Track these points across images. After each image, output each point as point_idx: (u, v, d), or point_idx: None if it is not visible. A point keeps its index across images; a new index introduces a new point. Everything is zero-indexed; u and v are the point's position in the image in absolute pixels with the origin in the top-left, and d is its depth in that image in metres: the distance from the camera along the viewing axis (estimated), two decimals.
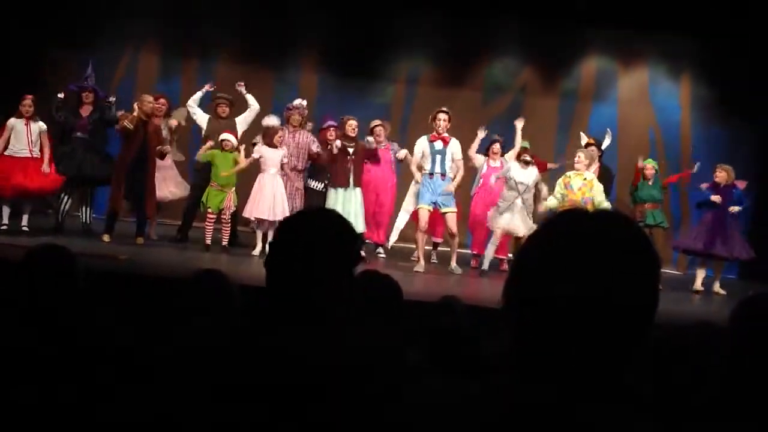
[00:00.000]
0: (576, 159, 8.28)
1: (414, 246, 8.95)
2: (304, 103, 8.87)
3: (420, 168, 8.44)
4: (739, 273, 10.11)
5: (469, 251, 9.36)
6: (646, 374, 2.23)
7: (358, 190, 8.37)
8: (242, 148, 8.32)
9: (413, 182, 8.70)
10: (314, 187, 8.73)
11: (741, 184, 8.76)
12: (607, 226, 1.13)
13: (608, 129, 9.65)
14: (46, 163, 7.95)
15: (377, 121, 9.07)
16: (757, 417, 1.85)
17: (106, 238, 7.94)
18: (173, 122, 8.79)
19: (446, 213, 8.31)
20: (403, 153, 8.97)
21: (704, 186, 8.78)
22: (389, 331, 2.60)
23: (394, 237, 8.97)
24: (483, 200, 9.02)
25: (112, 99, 8.66)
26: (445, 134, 8.34)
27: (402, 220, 8.88)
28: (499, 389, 1.13)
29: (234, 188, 8.23)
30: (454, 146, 8.39)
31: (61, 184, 8.16)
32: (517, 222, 8.25)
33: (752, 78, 10.34)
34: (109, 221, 8.07)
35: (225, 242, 8.22)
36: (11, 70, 9.52)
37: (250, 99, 8.87)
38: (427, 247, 8.78)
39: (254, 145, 8.45)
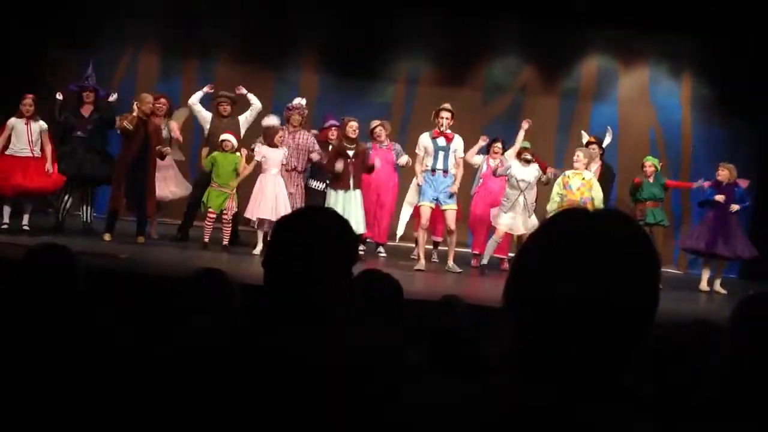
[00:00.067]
0: (575, 158, 8.28)
1: (414, 245, 8.96)
2: (303, 102, 8.87)
3: (422, 164, 8.43)
4: (740, 272, 10.11)
5: (469, 250, 9.36)
6: (646, 374, 2.23)
7: (358, 191, 8.36)
8: (244, 154, 8.31)
9: (415, 177, 8.70)
10: (315, 187, 8.73)
11: (743, 183, 8.76)
12: (607, 226, 1.13)
13: (608, 127, 9.65)
14: (48, 163, 7.96)
15: (377, 122, 9.06)
16: (757, 417, 1.85)
17: (106, 237, 7.95)
18: (174, 125, 8.74)
19: (446, 210, 8.31)
20: (404, 160, 8.96)
21: (706, 184, 8.78)
22: (389, 330, 2.60)
23: (400, 230, 8.95)
24: (483, 200, 9.02)
25: (113, 97, 8.65)
26: (448, 131, 8.33)
27: (406, 212, 8.89)
28: (499, 389, 1.13)
29: (235, 189, 8.24)
30: (458, 143, 8.38)
31: (61, 184, 8.16)
32: (519, 220, 8.26)
33: (753, 78, 10.34)
34: (109, 220, 8.08)
35: (225, 241, 8.23)
36: (11, 69, 9.53)
37: (252, 98, 8.87)
38: (427, 246, 8.77)
39: (253, 149, 8.43)
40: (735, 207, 8.52)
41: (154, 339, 2.27)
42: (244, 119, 8.86)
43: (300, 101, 8.87)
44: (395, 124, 10.21)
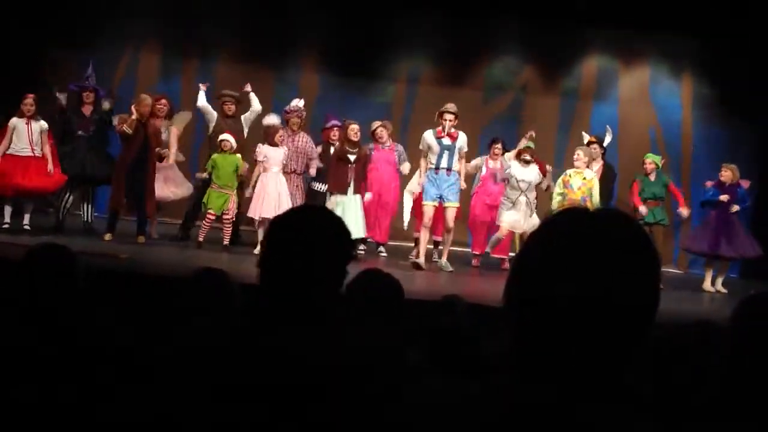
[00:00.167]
0: (575, 157, 8.29)
1: (413, 245, 8.96)
2: (301, 104, 8.88)
3: (426, 158, 8.42)
4: (741, 272, 10.11)
5: (469, 250, 9.36)
6: (646, 374, 2.23)
7: (358, 196, 8.36)
8: (245, 168, 8.31)
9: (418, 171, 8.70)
10: (317, 189, 8.74)
11: (745, 184, 8.75)
12: (607, 225, 1.13)
13: (608, 126, 9.65)
14: (50, 163, 7.96)
15: (378, 123, 9.05)
16: (757, 417, 1.85)
17: (107, 237, 7.95)
18: (174, 132, 8.69)
19: (448, 207, 8.31)
20: (406, 167, 8.96)
21: (709, 184, 8.77)
22: (389, 330, 2.60)
23: (406, 217, 8.90)
24: (483, 200, 9.03)
25: (107, 105, 8.60)
26: (452, 130, 8.33)
27: (408, 200, 8.86)
28: (499, 389, 1.13)
29: (235, 190, 8.24)
30: (462, 140, 8.38)
31: (62, 184, 8.17)
32: (522, 218, 8.27)
33: (753, 77, 10.34)
34: (110, 220, 8.09)
35: (226, 241, 8.23)
36: (12, 69, 9.52)
37: (254, 100, 8.84)
38: (428, 246, 8.77)
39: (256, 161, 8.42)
40: (735, 207, 8.51)
41: (154, 339, 2.27)
42: (246, 119, 8.87)
43: (298, 103, 8.87)
44: (396, 123, 10.20)
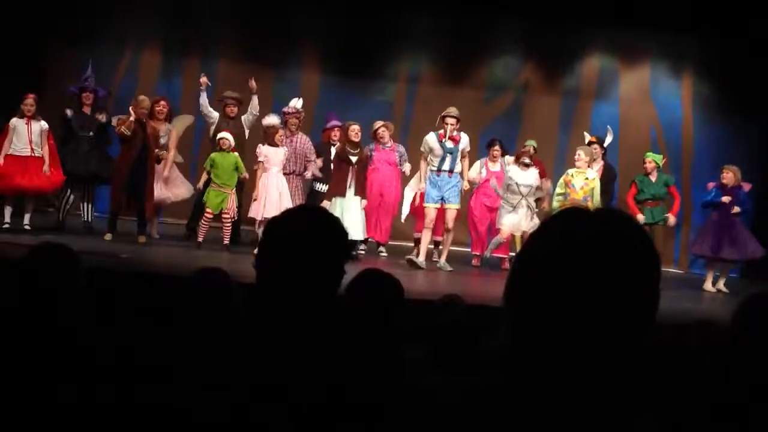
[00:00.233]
0: (576, 156, 8.29)
1: (413, 244, 8.97)
2: (300, 105, 8.88)
3: (427, 160, 8.42)
4: (741, 272, 10.11)
5: (468, 250, 9.36)
6: (646, 374, 2.23)
7: (358, 197, 8.36)
8: (245, 176, 8.33)
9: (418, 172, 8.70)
10: (319, 189, 8.74)
11: (746, 186, 8.74)
12: (607, 225, 1.13)
13: (609, 126, 9.65)
14: (47, 165, 7.97)
15: (380, 123, 9.05)
16: (757, 417, 1.85)
17: (108, 236, 7.96)
18: (173, 136, 8.64)
19: (449, 208, 8.33)
20: (407, 168, 8.96)
21: (711, 185, 8.76)
22: (389, 330, 2.60)
23: (404, 212, 8.88)
24: (482, 201, 9.02)
25: (102, 118, 8.57)
26: (454, 133, 8.34)
27: (408, 196, 8.84)
28: (499, 388, 1.13)
29: (234, 189, 8.24)
30: (464, 142, 8.40)
31: (60, 185, 8.18)
32: (522, 220, 8.27)
33: (753, 77, 10.34)
34: (110, 220, 8.09)
35: (226, 241, 8.22)
36: (12, 70, 9.52)
37: (254, 101, 8.83)
38: (428, 246, 8.78)
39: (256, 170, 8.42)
40: (736, 209, 8.51)
41: (154, 339, 2.27)
42: (245, 121, 8.87)
43: (296, 104, 8.87)
44: (397, 122, 10.20)
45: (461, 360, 2.92)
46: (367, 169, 8.59)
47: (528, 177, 8.37)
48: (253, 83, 8.82)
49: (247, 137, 8.86)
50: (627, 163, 10.10)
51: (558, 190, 8.28)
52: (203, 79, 8.84)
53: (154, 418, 1.71)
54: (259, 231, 8.25)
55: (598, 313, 1.07)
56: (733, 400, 1.91)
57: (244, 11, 10.87)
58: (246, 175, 8.39)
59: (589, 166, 8.34)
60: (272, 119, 8.61)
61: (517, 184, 8.31)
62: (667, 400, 2.13)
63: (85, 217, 8.55)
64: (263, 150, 8.28)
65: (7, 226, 7.93)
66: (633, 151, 10.21)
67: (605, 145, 9.35)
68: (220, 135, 8.26)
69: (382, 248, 9.11)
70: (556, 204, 8.17)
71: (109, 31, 10.63)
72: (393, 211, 9.07)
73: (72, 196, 8.46)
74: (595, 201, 8.04)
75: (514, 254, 8.45)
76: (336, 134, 8.83)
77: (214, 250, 8.04)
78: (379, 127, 8.95)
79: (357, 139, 8.43)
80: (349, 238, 1.78)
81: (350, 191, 8.35)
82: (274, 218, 1.76)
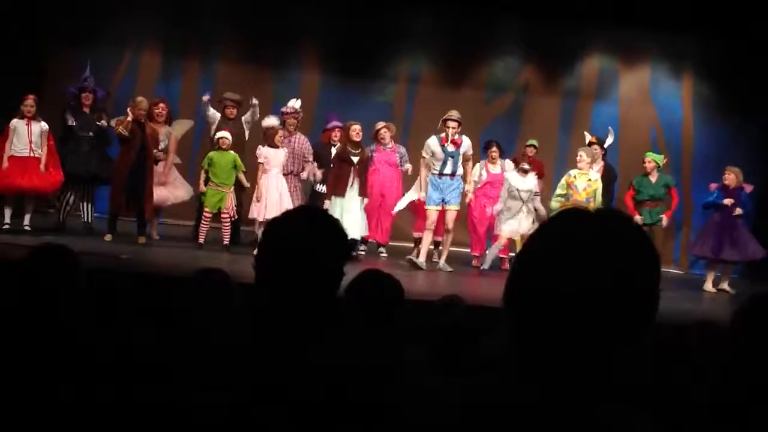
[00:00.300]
0: (578, 158, 8.28)
1: (413, 245, 8.98)
2: (298, 105, 8.88)
3: (428, 167, 8.42)
4: (741, 272, 10.11)
5: (468, 250, 9.35)
6: (646, 374, 2.23)
7: (358, 197, 8.35)
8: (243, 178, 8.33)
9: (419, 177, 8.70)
10: (320, 191, 8.74)
11: (748, 188, 8.74)
12: (607, 225, 1.13)
13: (610, 128, 9.65)
14: (43, 164, 7.97)
15: (382, 124, 9.05)
16: (757, 417, 1.85)
17: (108, 237, 7.96)
18: (173, 139, 8.62)
19: (449, 210, 8.34)
20: (408, 168, 8.95)
21: (713, 186, 8.76)
22: (389, 330, 2.60)
23: (400, 206, 8.82)
24: (481, 202, 9.02)
25: (104, 122, 8.58)
26: (456, 137, 8.33)
27: (411, 196, 8.82)
28: (499, 388, 1.13)
29: (232, 188, 8.23)
30: (466, 145, 8.41)
31: (59, 186, 8.18)
32: (522, 224, 8.28)
33: (753, 77, 10.33)
34: (110, 221, 8.09)
35: (226, 241, 8.22)
36: (12, 70, 9.52)
37: (255, 110, 8.79)
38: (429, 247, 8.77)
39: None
40: (738, 210, 8.51)
41: (154, 339, 2.27)
42: (246, 122, 8.87)
43: (294, 104, 8.87)
44: (397, 123, 10.20)
45: (461, 361, 2.92)
46: (368, 170, 8.59)
47: (527, 182, 8.38)
48: (254, 100, 8.78)
49: (247, 138, 8.86)
50: (627, 163, 10.09)
51: (559, 191, 8.27)
52: (206, 98, 8.81)
53: (154, 419, 1.71)
54: (259, 232, 8.25)
55: (598, 314, 1.07)
56: (733, 401, 1.91)
57: (244, 11, 10.87)
58: (246, 184, 8.35)
59: (590, 167, 8.33)
60: (272, 120, 8.60)
61: (517, 190, 8.32)
62: (667, 401, 2.12)
63: (85, 217, 8.55)
64: (263, 151, 8.28)
65: (7, 226, 7.93)
66: (633, 152, 10.20)
67: (606, 146, 9.35)
68: (219, 134, 8.26)
69: (382, 249, 9.11)
70: (556, 205, 8.16)
71: (109, 31, 10.63)
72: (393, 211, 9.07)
73: (72, 197, 8.46)
74: (597, 202, 8.04)
75: (514, 254, 8.44)
76: (336, 135, 8.82)
77: (214, 251, 8.04)
78: (380, 128, 8.95)
79: (358, 139, 8.42)
80: (349, 237, 1.78)
81: (353, 191, 8.33)
82: (274, 219, 1.76)
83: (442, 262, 8.38)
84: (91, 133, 8.45)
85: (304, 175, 8.69)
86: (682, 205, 10.74)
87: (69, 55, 10.32)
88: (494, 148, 9.06)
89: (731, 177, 8.59)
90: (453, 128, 8.26)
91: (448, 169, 8.31)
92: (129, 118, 7.88)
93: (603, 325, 1.08)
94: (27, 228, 7.92)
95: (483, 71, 11.48)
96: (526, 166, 8.43)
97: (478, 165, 9.15)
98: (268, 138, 8.36)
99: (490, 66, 11.48)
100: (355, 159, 8.34)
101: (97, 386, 2.18)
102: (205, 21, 10.86)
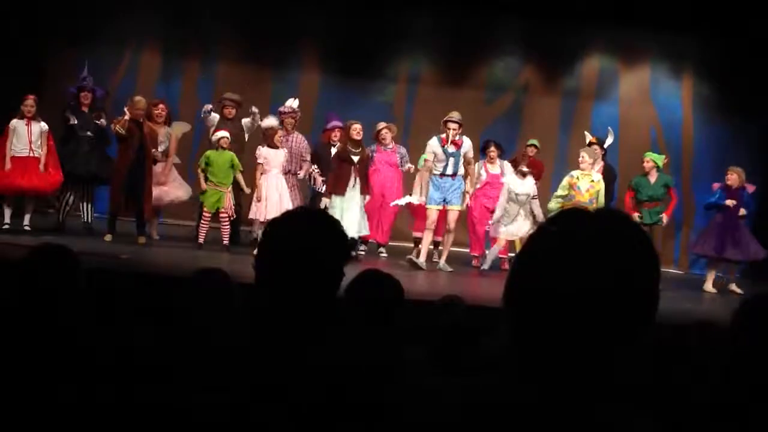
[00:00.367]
0: (580, 159, 8.26)
1: (413, 245, 8.97)
2: (296, 105, 8.88)
3: (429, 170, 8.41)
4: (743, 272, 10.10)
5: (468, 250, 9.35)
6: (646, 374, 2.23)
7: (359, 195, 8.35)
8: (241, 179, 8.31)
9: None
10: (321, 191, 8.74)
11: (750, 188, 8.73)
12: (606, 225, 1.13)
13: (609, 128, 9.64)
14: (42, 164, 7.97)
15: (384, 124, 9.05)
16: (757, 417, 1.85)
17: (107, 237, 7.96)
18: (173, 139, 8.63)
19: (451, 210, 8.35)
20: (410, 167, 8.95)
21: (716, 186, 8.75)
22: (389, 330, 2.60)
23: (399, 202, 8.82)
24: (481, 203, 9.01)
25: (103, 122, 8.57)
26: (457, 137, 8.34)
27: (409, 198, 8.82)
28: (499, 389, 1.13)
29: (230, 187, 8.22)
30: (466, 146, 8.42)
31: (58, 186, 8.18)
32: (520, 227, 8.28)
33: (753, 77, 10.33)
34: (110, 221, 8.09)
35: (226, 241, 8.23)
36: (12, 70, 9.53)
37: (255, 118, 8.77)
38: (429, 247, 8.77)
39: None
40: (743, 211, 8.51)
41: (154, 339, 2.27)
42: (245, 124, 8.85)
43: (292, 104, 8.87)
44: (397, 123, 10.20)
45: (461, 361, 2.92)
46: (369, 168, 8.59)
47: (526, 186, 8.38)
48: (254, 109, 8.76)
49: (246, 140, 8.85)
50: (627, 163, 10.09)
51: (560, 191, 8.25)
52: (207, 108, 8.78)
53: (155, 419, 1.71)
54: (259, 232, 8.26)
55: (598, 314, 1.07)
56: (733, 401, 1.91)
57: (244, 11, 10.87)
58: (245, 188, 8.34)
59: (592, 168, 8.32)
60: (271, 121, 8.60)
61: (516, 194, 8.33)
62: (667, 401, 2.12)
63: (85, 218, 8.55)
64: (263, 152, 8.28)
65: (7, 226, 7.93)
66: (633, 152, 10.20)
67: (605, 146, 9.35)
68: (219, 134, 8.25)
69: (382, 249, 9.11)
70: (555, 206, 8.15)
71: (109, 31, 10.63)
72: (394, 212, 9.06)
73: (72, 197, 8.46)
74: (600, 204, 8.02)
75: (513, 254, 8.44)
76: (336, 135, 8.82)
77: (214, 251, 8.04)
78: (382, 129, 8.95)
79: (359, 138, 8.42)
80: (349, 236, 1.78)
81: (354, 191, 8.32)
82: (274, 220, 1.76)
83: (442, 262, 8.39)
84: (90, 133, 8.45)
85: (301, 174, 8.69)
86: (682, 205, 10.73)
87: (69, 55, 10.32)
88: (492, 148, 9.06)
89: (734, 177, 8.58)
90: (453, 129, 8.27)
91: (449, 170, 8.33)
92: (126, 117, 7.88)
93: (603, 325, 1.08)
94: (27, 228, 7.92)
95: (483, 71, 11.47)
96: (525, 169, 8.42)
97: (476, 165, 9.15)
98: (267, 138, 8.35)
99: (490, 66, 11.48)
100: (356, 158, 8.34)
101: (97, 386, 2.18)
102: (205, 21, 10.85)
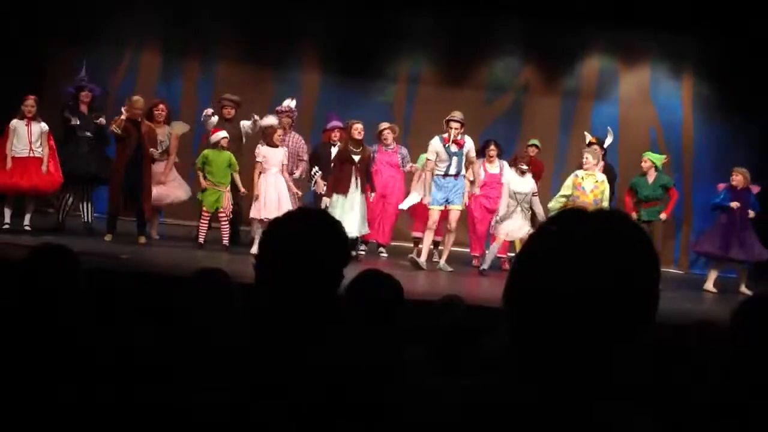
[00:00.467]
0: (584, 160, 8.25)
1: (412, 245, 8.97)
2: (293, 104, 8.88)
3: (432, 170, 8.41)
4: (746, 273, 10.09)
5: (468, 250, 9.35)
6: (646, 374, 2.23)
7: (360, 195, 8.35)
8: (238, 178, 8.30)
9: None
10: (322, 192, 8.74)
11: (755, 189, 8.73)
12: (606, 225, 1.13)
13: (609, 127, 9.64)
14: (44, 164, 7.97)
15: (386, 125, 9.05)
16: (757, 417, 1.85)
17: (107, 237, 7.96)
18: (174, 138, 8.63)
19: (452, 209, 8.35)
20: (411, 167, 8.96)
21: (721, 187, 8.75)
22: (389, 330, 2.60)
23: (405, 204, 8.82)
24: (481, 201, 9.01)
25: (103, 120, 8.57)
26: (459, 137, 8.34)
27: (414, 198, 8.81)
28: (499, 388, 1.13)
29: (228, 187, 8.22)
30: (468, 146, 8.42)
31: (58, 186, 8.18)
32: (519, 226, 8.27)
33: (753, 77, 10.33)
34: (110, 221, 8.09)
35: (225, 241, 8.23)
36: (12, 70, 9.53)
37: (255, 124, 8.76)
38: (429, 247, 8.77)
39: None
40: (752, 213, 8.51)
41: (154, 339, 2.27)
42: (244, 126, 8.82)
43: (290, 103, 8.86)
44: (397, 123, 10.21)
45: (461, 361, 2.92)
46: (371, 168, 8.58)
47: (524, 184, 8.38)
48: (255, 118, 8.74)
49: (244, 141, 8.84)
50: (627, 163, 10.09)
51: (563, 191, 8.24)
52: (208, 112, 8.78)
53: (155, 419, 1.71)
54: (258, 231, 8.25)
55: (598, 314, 1.07)
56: (733, 400, 1.91)
57: (244, 11, 10.87)
58: (241, 188, 8.33)
59: (595, 168, 8.31)
60: (271, 120, 8.60)
61: (514, 192, 8.33)
62: (666, 400, 2.13)
63: (85, 217, 8.55)
64: (262, 150, 8.28)
65: (7, 226, 7.93)
66: (633, 152, 10.19)
67: (605, 146, 9.35)
68: (219, 134, 8.25)
69: (382, 249, 9.11)
70: (557, 205, 8.14)
71: (109, 31, 10.62)
72: (395, 212, 9.06)
73: (71, 197, 8.46)
74: (605, 204, 8.00)
75: (513, 254, 8.44)
76: (336, 135, 8.82)
77: (214, 251, 8.04)
78: (384, 129, 8.95)
79: (360, 138, 8.41)
80: (349, 235, 1.78)
81: (356, 191, 8.32)
82: (275, 220, 1.76)
83: (442, 262, 8.39)
84: (89, 133, 8.45)
85: (297, 173, 8.69)
86: (682, 205, 10.73)
87: (69, 55, 10.32)
88: (492, 147, 9.05)
89: (739, 178, 8.57)
90: (455, 129, 8.27)
91: (452, 170, 8.33)
92: (123, 117, 7.87)
93: (602, 324, 1.08)
94: (27, 228, 7.92)
95: (483, 71, 11.47)
96: (524, 167, 8.42)
97: (477, 163, 9.15)
98: (267, 137, 8.35)
99: (490, 66, 11.47)
100: (357, 158, 8.34)
101: (97, 386, 2.18)
102: (205, 21, 10.85)
